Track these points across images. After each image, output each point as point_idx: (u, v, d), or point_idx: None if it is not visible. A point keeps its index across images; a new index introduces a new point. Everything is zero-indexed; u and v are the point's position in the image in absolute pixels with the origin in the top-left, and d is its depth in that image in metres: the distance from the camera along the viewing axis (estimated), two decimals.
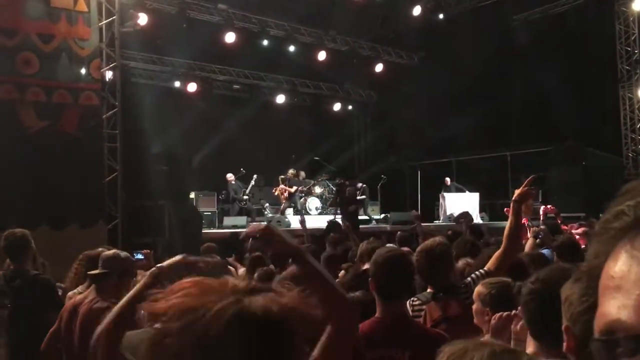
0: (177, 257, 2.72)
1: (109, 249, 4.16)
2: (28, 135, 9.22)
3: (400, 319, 2.78)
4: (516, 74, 17.07)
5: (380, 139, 20.54)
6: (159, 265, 2.63)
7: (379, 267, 2.81)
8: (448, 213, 16.40)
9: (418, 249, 3.61)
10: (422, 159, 18.69)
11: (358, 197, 16.97)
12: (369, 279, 2.86)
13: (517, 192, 3.70)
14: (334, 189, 16.61)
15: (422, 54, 19.10)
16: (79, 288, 4.31)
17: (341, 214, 14.35)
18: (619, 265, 0.68)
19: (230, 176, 15.87)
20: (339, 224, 11.52)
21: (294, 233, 12.83)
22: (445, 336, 2.75)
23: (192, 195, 14.85)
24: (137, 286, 2.56)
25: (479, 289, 3.02)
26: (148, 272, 2.65)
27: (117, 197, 10.34)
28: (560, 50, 15.87)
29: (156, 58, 16.38)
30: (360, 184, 17.28)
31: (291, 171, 16.50)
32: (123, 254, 3.88)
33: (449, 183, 17.45)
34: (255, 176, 16.13)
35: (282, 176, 16.65)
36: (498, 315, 2.70)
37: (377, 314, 2.79)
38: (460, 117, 16.70)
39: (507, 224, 3.74)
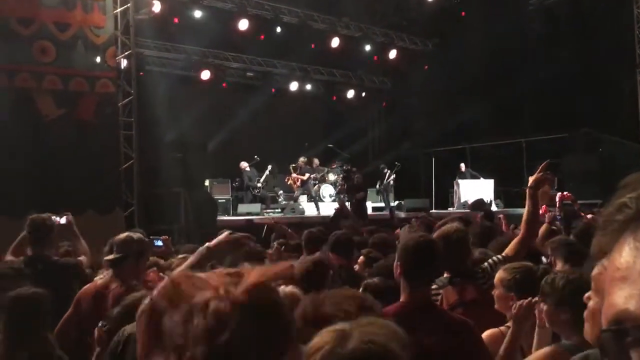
0: (223, 234, 2.77)
1: (137, 232, 4.18)
2: (45, 123, 9.34)
3: (426, 305, 2.82)
4: (532, 59, 16.91)
5: (394, 126, 20.49)
6: (207, 245, 2.68)
7: (410, 252, 2.82)
8: (462, 200, 16.39)
9: (435, 234, 3.64)
10: (436, 145, 18.64)
11: (387, 180, 17.02)
12: (398, 263, 2.85)
13: (532, 178, 3.71)
14: (342, 175, 16.55)
15: (436, 40, 18.96)
16: (104, 273, 4.37)
17: (349, 201, 14.33)
18: (624, 256, 0.70)
19: (244, 164, 15.95)
20: (347, 210, 11.56)
21: (309, 220, 12.93)
22: (470, 323, 2.78)
23: (206, 182, 14.96)
24: (186, 264, 2.61)
25: (500, 274, 3.04)
26: (197, 251, 2.70)
27: (133, 184, 10.45)
28: (576, 35, 15.69)
29: (170, 46, 16.41)
30: (386, 170, 17.28)
31: (302, 159, 16.52)
32: (136, 235, 3.89)
33: (463, 169, 17.39)
34: (269, 166, 16.22)
35: (293, 164, 16.67)
36: (518, 304, 2.73)
37: (402, 299, 2.82)
38: (474, 103, 16.63)
39: (524, 211, 3.76)
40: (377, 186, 17.43)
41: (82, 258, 4.82)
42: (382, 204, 17.40)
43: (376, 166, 18.18)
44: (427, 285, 2.92)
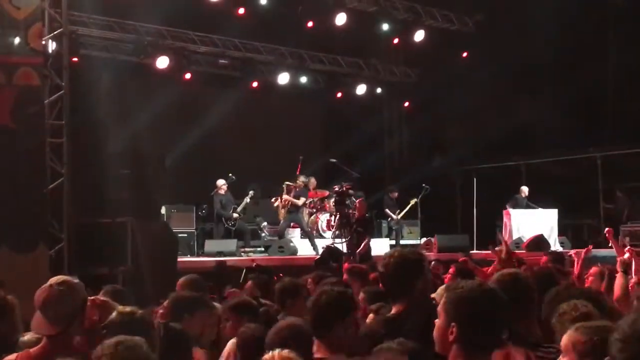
0: None
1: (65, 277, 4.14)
2: None
3: None
4: (611, 45, 17.04)
5: (422, 134, 20.58)
6: None
7: (470, 308, 2.87)
8: (515, 236, 16.41)
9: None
10: (478, 161, 18.71)
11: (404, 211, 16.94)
12: (452, 323, 2.88)
13: (620, 259, 3.81)
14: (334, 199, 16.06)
15: (480, 18, 19.12)
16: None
17: (343, 237, 13.86)
18: None
19: (221, 183, 15.88)
20: (339, 250, 11.55)
21: (300, 262, 12.91)
22: None
23: (163, 210, 14.99)
24: None
25: (571, 337, 3.05)
26: None
27: (63, 212, 10.46)
28: None
29: (114, 23, 16.53)
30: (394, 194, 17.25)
31: (302, 178, 16.43)
32: (72, 283, 3.87)
33: (525, 194, 17.32)
34: (251, 191, 16.16)
35: (288, 182, 16.44)
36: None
37: None
38: (532, 104, 16.72)
39: (616, 283, 3.84)
40: (394, 216, 17.41)
41: None
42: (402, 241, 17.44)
43: (391, 191, 18.17)
44: (488, 352, 2.94)
